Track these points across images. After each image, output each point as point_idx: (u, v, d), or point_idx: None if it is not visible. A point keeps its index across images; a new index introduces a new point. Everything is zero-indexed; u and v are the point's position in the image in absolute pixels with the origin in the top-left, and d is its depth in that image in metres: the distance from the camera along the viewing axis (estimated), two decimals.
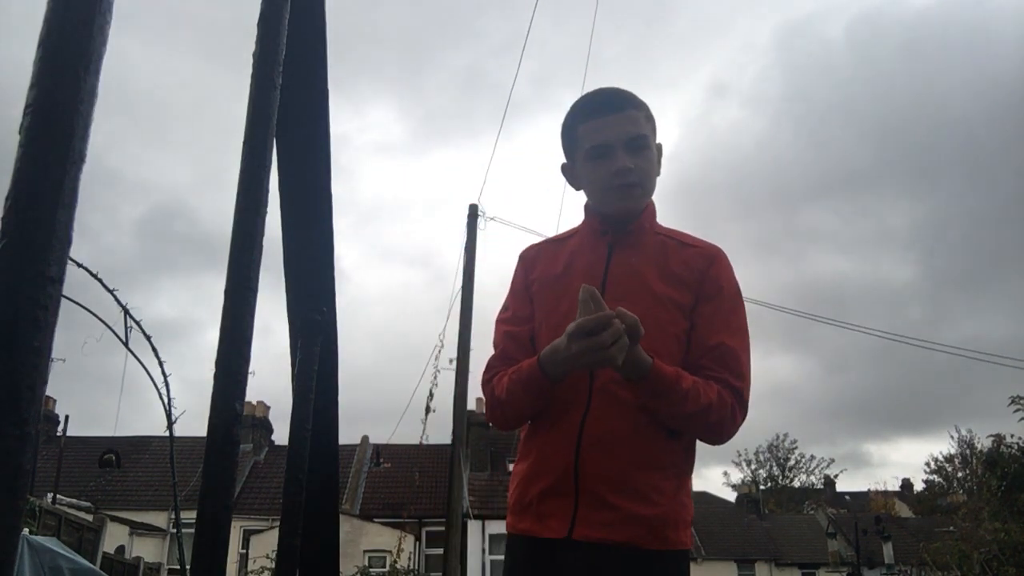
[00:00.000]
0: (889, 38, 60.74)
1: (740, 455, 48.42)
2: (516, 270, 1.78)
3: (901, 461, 69.97)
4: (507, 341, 1.69)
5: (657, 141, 1.71)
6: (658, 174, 1.70)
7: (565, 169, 1.76)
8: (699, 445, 1.63)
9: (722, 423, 1.52)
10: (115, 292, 5.46)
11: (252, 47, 0.75)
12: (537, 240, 1.84)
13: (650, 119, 1.68)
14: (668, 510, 1.51)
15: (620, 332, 1.35)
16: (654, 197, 1.71)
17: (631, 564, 1.47)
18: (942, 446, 73.54)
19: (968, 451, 42.43)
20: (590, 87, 1.73)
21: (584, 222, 1.74)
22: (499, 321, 1.75)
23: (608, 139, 1.61)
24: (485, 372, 1.69)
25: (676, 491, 1.53)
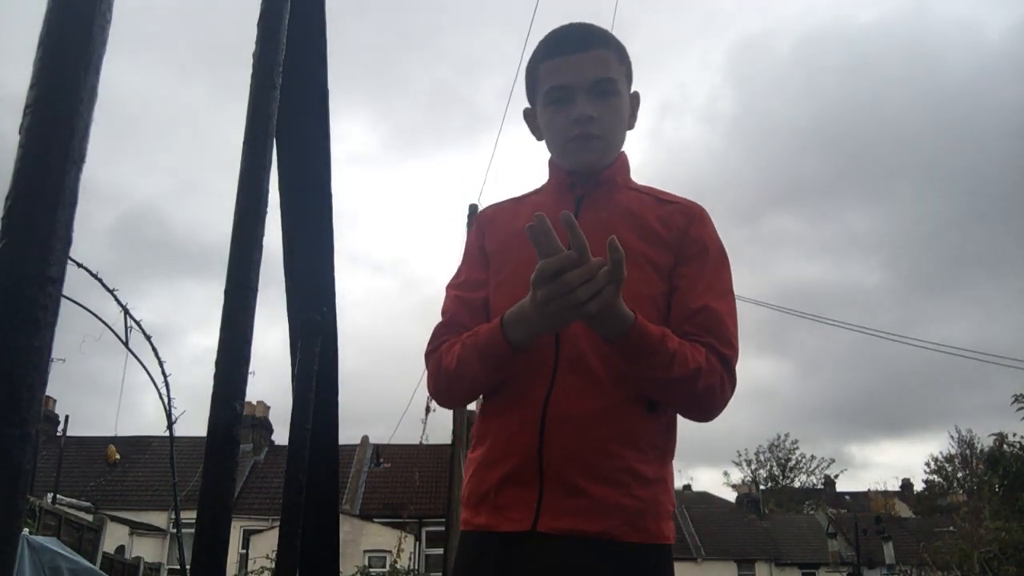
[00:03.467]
0: (835, 53, 63.24)
1: (740, 455, 48.52)
2: (470, 233, 1.57)
3: (885, 462, 70.69)
4: (458, 306, 1.47)
5: (633, 89, 1.50)
6: (630, 127, 1.51)
7: (527, 115, 1.56)
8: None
9: (711, 392, 1.32)
10: (115, 292, 5.46)
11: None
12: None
13: (624, 62, 1.48)
14: (648, 496, 1.32)
15: (593, 271, 1.14)
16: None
17: (607, 558, 1.27)
18: (924, 448, 74.08)
19: (968, 451, 42.45)
20: None
21: (550, 177, 1.54)
22: (450, 287, 1.52)
23: (569, 81, 1.41)
24: (429, 342, 1.46)
25: (657, 476, 1.34)
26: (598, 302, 1.16)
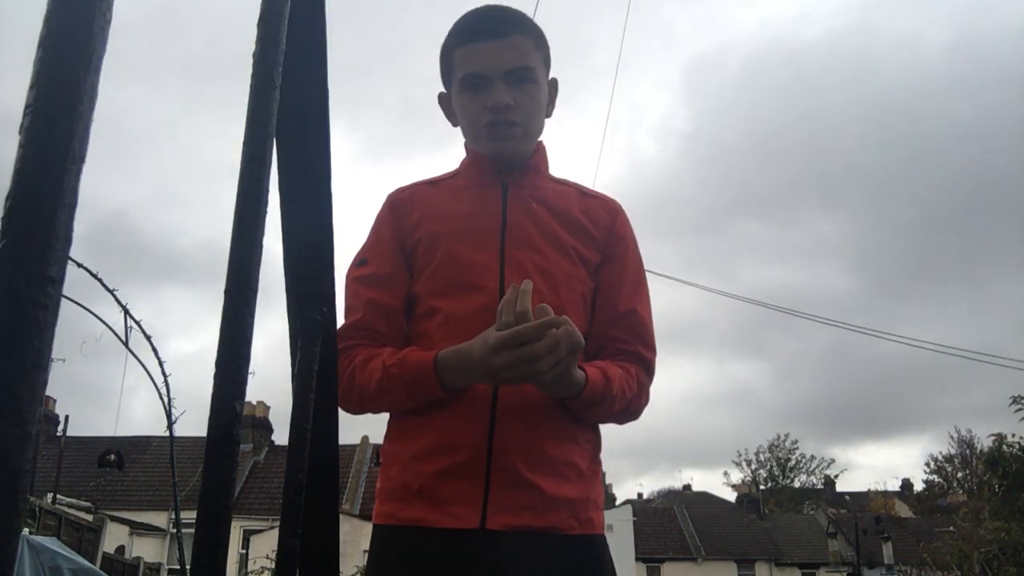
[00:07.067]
0: (782, 68, 66.25)
1: (740, 455, 48.60)
2: (381, 216, 1.44)
3: (868, 464, 71.10)
4: (368, 309, 1.36)
5: (551, 76, 1.48)
6: (548, 115, 1.48)
7: (442, 100, 1.50)
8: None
9: (639, 409, 1.40)
10: (115, 292, 5.46)
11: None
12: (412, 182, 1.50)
13: (541, 48, 1.44)
14: (587, 488, 1.32)
15: (557, 344, 1.14)
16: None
17: (556, 553, 1.25)
18: (906, 450, 74.47)
19: (968, 451, 42.50)
20: None
21: (467, 161, 1.48)
22: (355, 279, 1.40)
23: (484, 68, 1.37)
24: (341, 343, 1.33)
25: (591, 468, 1.36)
26: (556, 372, 1.17)
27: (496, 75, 1.37)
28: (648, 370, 1.41)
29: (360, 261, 1.42)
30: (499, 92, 1.37)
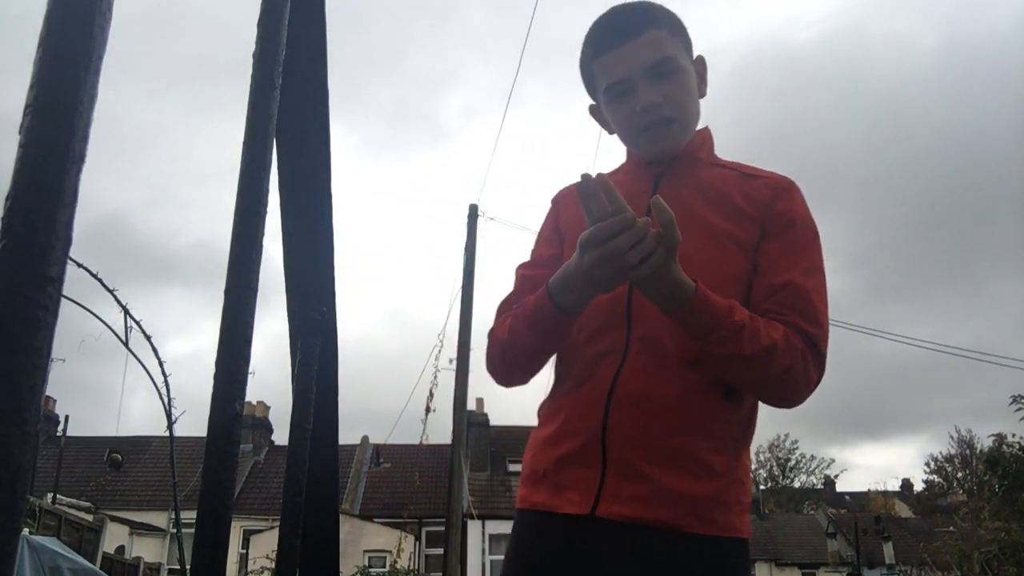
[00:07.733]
0: (773, 71, 65.97)
1: None
2: (547, 215, 1.54)
3: (866, 464, 71.07)
4: (522, 283, 1.46)
5: (696, 54, 1.45)
6: (703, 94, 1.45)
7: (593, 111, 1.52)
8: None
9: (791, 374, 1.22)
10: (115, 292, 5.46)
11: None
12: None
13: (677, 32, 1.41)
14: (720, 487, 1.23)
15: (643, 233, 1.09)
16: (709, 123, 1.45)
17: (670, 549, 1.19)
18: (905, 451, 74.29)
19: (968, 451, 42.52)
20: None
21: (627, 157, 1.50)
22: (519, 267, 1.51)
23: (625, 73, 1.36)
24: (495, 320, 1.46)
25: (731, 465, 1.25)
26: (648, 266, 1.12)
27: (638, 75, 1.36)
28: (810, 343, 1.25)
29: (529, 255, 1.54)
30: (645, 92, 1.35)
